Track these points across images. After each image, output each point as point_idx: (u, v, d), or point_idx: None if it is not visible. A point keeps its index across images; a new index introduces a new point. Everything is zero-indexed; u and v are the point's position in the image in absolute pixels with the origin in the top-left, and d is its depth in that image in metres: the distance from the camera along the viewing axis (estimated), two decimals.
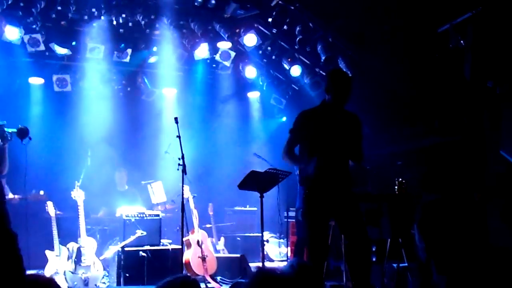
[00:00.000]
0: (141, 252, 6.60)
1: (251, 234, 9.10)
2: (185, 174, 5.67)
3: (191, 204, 7.34)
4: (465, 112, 7.84)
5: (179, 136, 5.71)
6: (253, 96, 10.08)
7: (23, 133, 4.42)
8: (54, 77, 8.36)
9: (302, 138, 4.68)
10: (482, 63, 6.91)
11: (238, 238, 9.06)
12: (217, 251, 8.05)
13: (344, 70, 8.37)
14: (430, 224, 5.24)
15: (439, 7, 7.22)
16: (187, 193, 7.19)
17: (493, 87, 6.78)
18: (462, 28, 7.14)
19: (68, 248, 6.54)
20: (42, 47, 7.63)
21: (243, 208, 9.60)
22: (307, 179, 4.60)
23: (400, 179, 6.74)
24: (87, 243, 6.62)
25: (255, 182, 5.64)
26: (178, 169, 5.67)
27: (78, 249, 6.53)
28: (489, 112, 7.24)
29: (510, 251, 4.83)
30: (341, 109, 4.62)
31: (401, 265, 6.00)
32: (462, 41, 7.13)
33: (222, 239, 8.64)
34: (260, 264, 6.06)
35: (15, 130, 4.22)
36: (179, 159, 5.65)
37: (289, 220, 8.09)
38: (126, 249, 6.60)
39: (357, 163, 4.75)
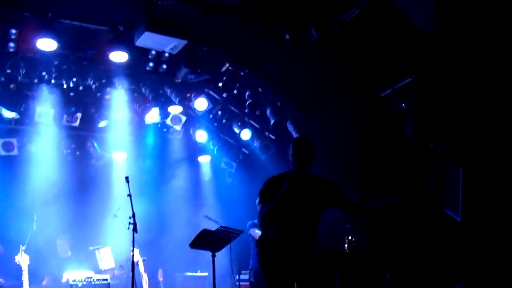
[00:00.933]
0: None
1: None
2: (136, 232, 5.60)
3: (141, 268, 7.20)
4: (409, 171, 8.13)
5: (130, 195, 5.68)
6: (204, 160, 10.15)
7: None
8: (0, 141, 8.19)
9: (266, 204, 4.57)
10: (423, 124, 7.26)
11: None
12: None
13: (292, 133, 8.61)
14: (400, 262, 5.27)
15: (381, 73, 7.62)
16: (137, 256, 7.06)
17: (434, 147, 7.11)
18: (403, 92, 7.52)
19: None
20: None
21: (194, 274, 9.41)
22: (262, 241, 4.50)
23: (350, 237, 6.86)
24: None
25: (207, 240, 5.64)
26: (128, 228, 5.60)
27: None
28: (431, 171, 7.54)
29: None
30: (306, 175, 4.53)
31: None
32: (403, 104, 7.49)
33: None
34: None
35: None
36: (130, 217, 5.60)
37: (241, 283, 7.99)
38: None
39: (358, 214, 4.61)
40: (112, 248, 8.35)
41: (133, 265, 5.74)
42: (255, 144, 9.12)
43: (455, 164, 6.80)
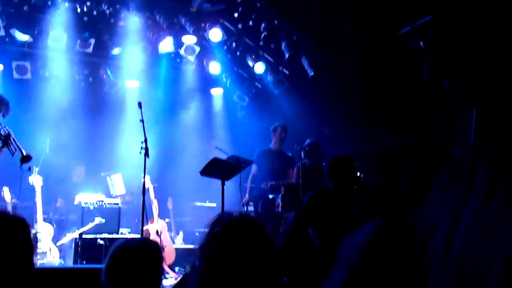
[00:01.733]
0: (99, 240, 6.52)
1: None
2: (148, 157, 5.67)
3: (151, 194, 7.32)
4: (422, 112, 8.09)
5: (142, 120, 5.71)
6: (216, 92, 10.12)
7: (26, 159, 4.69)
8: (14, 64, 8.19)
9: None
10: (439, 64, 7.14)
11: (197, 234, 9.04)
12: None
13: (307, 68, 8.53)
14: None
15: (400, 10, 7.44)
16: (148, 183, 7.16)
17: (449, 88, 7.01)
18: (421, 31, 7.37)
19: None
20: (2, 33, 7.49)
21: (202, 204, 9.60)
22: None
23: (358, 174, 6.90)
24: (44, 229, 6.51)
25: (217, 169, 5.70)
26: (140, 153, 5.67)
27: (34, 235, 6.40)
28: (444, 112, 7.49)
29: None
30: None
31: None
32: (421, 43, 7.35)
33: (181, 233, 8.62)
34: None
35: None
36: (142, 142, 5.65)
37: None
38: (83, 236, 6.51)
39: None
40: (123, 175, 8.49)
41: (144, 189, 5.84)
42: (268, 78, 9.05)
43: (469, 105, 6.74)
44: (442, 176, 1.17)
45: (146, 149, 5.64)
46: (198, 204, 9.61)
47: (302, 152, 6.89)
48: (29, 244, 1.91)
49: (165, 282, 6.69)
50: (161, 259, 2.61)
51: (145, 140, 5.66)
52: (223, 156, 6.01)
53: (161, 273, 2.61)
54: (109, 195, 8.28)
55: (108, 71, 9.11)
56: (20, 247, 1.84)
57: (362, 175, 6.89)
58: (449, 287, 0.77)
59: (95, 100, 9.18)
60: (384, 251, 1.26)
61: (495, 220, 0.64)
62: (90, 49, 8.30)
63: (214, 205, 9.50)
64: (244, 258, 1.69)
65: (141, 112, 5.73)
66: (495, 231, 0.63)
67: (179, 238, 8.48)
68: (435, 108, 7.72)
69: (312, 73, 8.46)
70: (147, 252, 2.53)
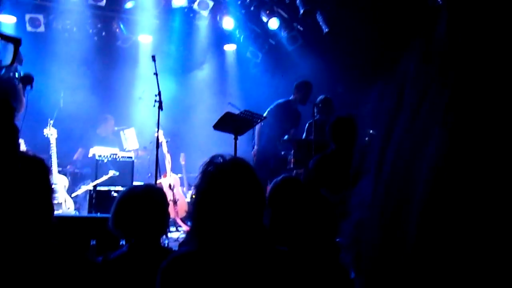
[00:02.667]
0: (113, 192, 6.60)
1: None
2: (161, 109, 5.69)
3: (164, 149, 7.37)
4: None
5: (156, 73, 5.70)
6: (229, 48, 10.04)
7: (27, 80, 4.65)
8: (27, 16, 8.16)
9: None
10: (457, 22, 7.02)
11: None
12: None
13: (322, 25, 8.41)
14: None
15: None
16: (161, 137, 7.20)
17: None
18: None
19: None
20: None
21: None
22: None
23: (371, 131, 6.85)
24: (59, 180, 6.60)
25: (230, 123, 5.70)
26: (154, 106, 5.68)
27: None
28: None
29: None
30: None
31: None
32: (439, 0, 7.20)
33: (193, 188, 8.70)
34: None
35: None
36: (155, 95, 5.66)
37: None
38: (98, 188, 6.60)
39: None
40: (136, 130, 8.54)
41: (158, 143, 5.88)
42: (282, 35, 8.95)
43: None
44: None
45: (160, 102, 5.65)
46: None
47: (314, 108, 6.87)
48: (48, 184, 1.94)
49: (177, 235, 6.81)
50: (166, 204, 2.65)
51: (159, 93, 5.66)
52: (236, 112, 5.99)
53: (167, 218, 2.65)
54: (122, 149, 8.36)
55: (121, 25, 9.04)
56: (39, 186, 1.87)
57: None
58: (382, 204, 0.79)
59: (108, 54, 9.15)
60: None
61: (419, 138, 0.66)
62: (103, 3, 8.23)
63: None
64: (233, 196, 1.86)
65: (155, 65, 5.72)
66: (419, 149, 0.64)
67: (191, 193, 8.57)
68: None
69: (327, 30, 8.35)
70: (152, 197, 2.56)
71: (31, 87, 4.76)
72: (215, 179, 1.90)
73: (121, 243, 3.71)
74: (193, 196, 1.94)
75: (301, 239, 2.59)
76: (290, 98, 7.22)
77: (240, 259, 1.82)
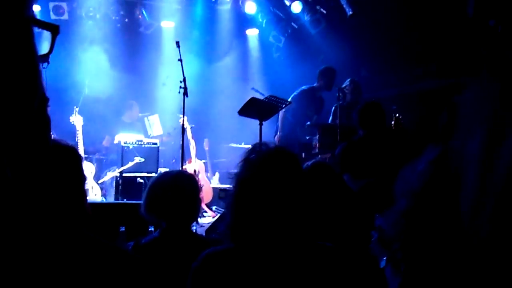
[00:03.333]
0: (138, 179, 6.65)
1: None
2: (187, 96, 5.68)
3: (189, 135, 7.38)
4: (464, 53, 7.83)
5: (180, 60, 5.69)
6: (252, 33, 9.97)
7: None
8: (51, 4, 8.21)
9: None
10: (485, 1, 6.86)
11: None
12: None
13: (345, 7, 8.29)
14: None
15: None
16: (186, 123, 7.21)
17: (495, 26, 6.76)
18: None
19: None
20: None
21: (238, 145, 9.65)
22: None
23: (397, 115, 6.80)
24: (86, 168, 6.66)
25: (255, 109, 5.68)
26: (179, 92, 5.68)
27: None
28: (487, 52, 7.25)
29: None
30: None
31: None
32: None
33: (217, 174, 8.73)
34: None
35: None
36: (180, 82, 5.65)
37: None
38: (124, 174, 6.65)
39: None
40: (160, 116, 8.57)
41: (183, 129, 5.89)
42: (305, 18, 8.86)
43: None
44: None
45: (185, 88, 5.64)
46: (234, 145, 9.67)
47: (340, 93, 6.81)
48: (81, 172, 1.94)
49: (203, 220, 6.84)
50: (198, 190, 2.64)
51: (184, 80, 5.65)
52: (260, 97, 5.97)
53: (198, 205, 2.65)
54: (147, 135, 8.40)
55: (144, 12, 9.05)
56: (73, 175, 1.88)
57: (401, 116, 6.79)
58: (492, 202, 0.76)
59: (132, 41, 9.16)
60: (445, 178, 1.24)
61: None
62: None
63: (249, 146, 9.54)
64: (277, 186, 1.70)
65: (179, 51, 5.70)
66: None
67: (215, 179, 8.60)
68: (478, 49, 7.49)
69: (350, 12, 8.23)
70: (184, 183, 2.57)
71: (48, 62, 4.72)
72: (259, 167, 1.74)
73: (150, 229, 3.74)
74: (232, 186, 1.82)
75: (332, 228, 2.56)
76: (314, 84, 7.14)
77: (283, 258, 1.66)
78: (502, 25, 5.95)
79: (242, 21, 9.61)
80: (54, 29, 1.18)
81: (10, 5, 0.69)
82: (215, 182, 8.53)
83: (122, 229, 3.83)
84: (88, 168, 6.71)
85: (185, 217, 2.52)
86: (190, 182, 2.58)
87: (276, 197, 1.69)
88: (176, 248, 2.45)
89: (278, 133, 7.06)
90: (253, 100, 5.52)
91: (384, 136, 4.74)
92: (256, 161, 1.77)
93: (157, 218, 2.58)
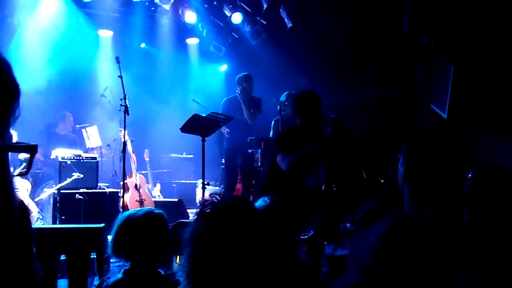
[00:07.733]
0: (77, 195, 6.46)
1: (187, 181, 9.16)
2: (128, 114, 5.58)
3: (129, 148, 7.24)
4: (400, 64, 8.11)
5: (120, 76, 5.58)
6: (192, 42, 9.90)
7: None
8: None
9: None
10: (419, 18, 7.10)
11: (174, 185, 9.09)
12: (153, 197, 8.01)
13: (285, 19, 8.39)
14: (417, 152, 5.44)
15: None
16: (126, 137, 7.08)
17: (428, 42, 7.01)
18: None
19: None
20: None
21: (179, 155, 9.60)
22: None
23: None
24: (20, 185, 6.41)
25: (197, 125, 5.65)
26: (120, 110, 5.57)
27: None
28: (422, 65, 7.53)
29: None
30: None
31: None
32: None
33: (158, 185, 8.62)
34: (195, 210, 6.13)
35: None
36: (121, 99, 5.54)
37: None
38: (62, 191, 6.44)
39: None
40: (99, 127, 8.36)
41: (125, 146, 5.79)
42: (246, 29, 8.89)
43: (447, 60, 6.77)
44: None
45: (126, 106, 5.53)
46: (174, 155, 9.60)
47: (280, 105, 6.87)
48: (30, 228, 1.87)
49: None
50: (167, 230, 2.62)
51: (125, 97, 5.55)
52: (200, 109, 5.92)
53: (169, 244, 2.62)
54: (84, 147, 8.18)
55: (81, 20, 8.80)
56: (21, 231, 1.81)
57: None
58: None
59: (69, 50, 8.87)
60: (395, 252, 1.27)
61: None
62: None
63: (191, 156, 9.51)
64: (233, 237, 1.68)
65: (119, 68, 5.59)
66: None
67: (157, 190, 8.48)
68: (413, 61, 7.75)
69: (290, 25, 8.33)
70: (154, 223, 2.54)
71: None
72: (214, 221, 1.72)
73: (91, 256, 3.64)
74: (187, 241, 1.78)
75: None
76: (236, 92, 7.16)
77: None
78: (434, 41, 6.12)
79: (182, 30, 9.52)
80: (32, 149, 1.15)
81: None
82: (157, 193, 8.42)
83: (63, 257, 3.71)
84: (24, 185, 6.46)
85: (153, 258, 2.50)
86: (160, 223, 2.56)
87: (234, 250, 1.68)
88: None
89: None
90: (195, 116, 5.48)
91: (321, 124, 4.63)
92: (212, 214, 1.76)
93: (126, 259, 2.55)
